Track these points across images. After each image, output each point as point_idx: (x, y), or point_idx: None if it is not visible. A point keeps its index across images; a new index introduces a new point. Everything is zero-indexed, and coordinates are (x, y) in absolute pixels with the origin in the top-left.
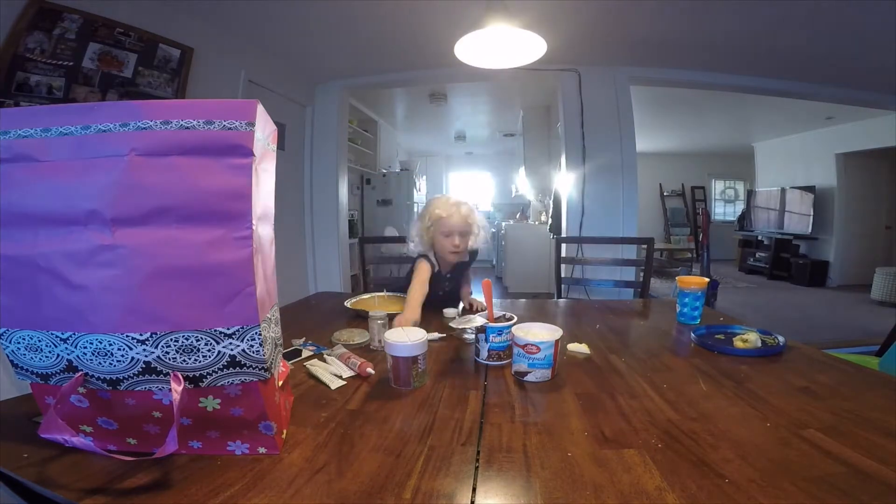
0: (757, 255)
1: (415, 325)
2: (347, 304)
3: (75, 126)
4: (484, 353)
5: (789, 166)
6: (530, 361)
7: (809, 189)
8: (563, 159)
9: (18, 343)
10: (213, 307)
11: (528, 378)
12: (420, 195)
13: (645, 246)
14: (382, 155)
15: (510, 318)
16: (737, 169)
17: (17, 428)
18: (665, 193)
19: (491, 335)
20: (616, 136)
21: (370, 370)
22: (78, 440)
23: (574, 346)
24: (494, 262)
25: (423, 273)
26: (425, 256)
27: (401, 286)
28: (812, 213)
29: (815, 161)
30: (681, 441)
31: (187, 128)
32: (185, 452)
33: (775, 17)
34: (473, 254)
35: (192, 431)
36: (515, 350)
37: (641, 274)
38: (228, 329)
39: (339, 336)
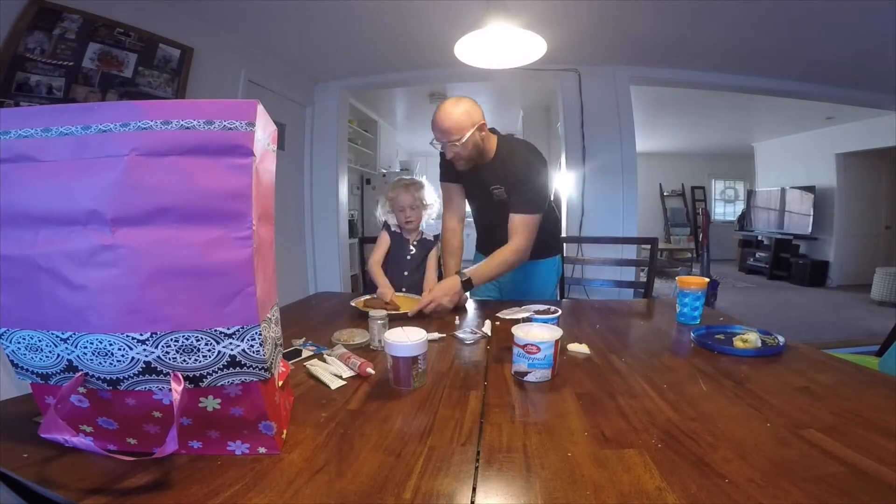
0: (757, 255)
1: (389, 297)
2: (353, 303)
3: (75, 126)
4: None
5: (789, 166)
6: (530, 361)
7: (809, 189)
8: (563, 159)
9: (19, 343)
10: (214, 307)
11: (528, 378)
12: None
13: (645, 246)
14: (382, 155)
15: (554, 312)
16: (737, 169)
17: (17, 428)
18: (665, 193)
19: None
20: (616, 136)
21: (370, 370)
22: (78, 440)
23: (574, 346)
24: None
25: (381, 243)
26: (386, 226)
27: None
28: (812, 213)
29: (815, 161)
30: (681, 441)
31: (187, 128)
32: (185, 452)
33: (775, 18)
34: (437, 237)
35: (192, 431)
36: (515, 350)
37: (641, 274)
38: (228, 329)
39: (339, 336)
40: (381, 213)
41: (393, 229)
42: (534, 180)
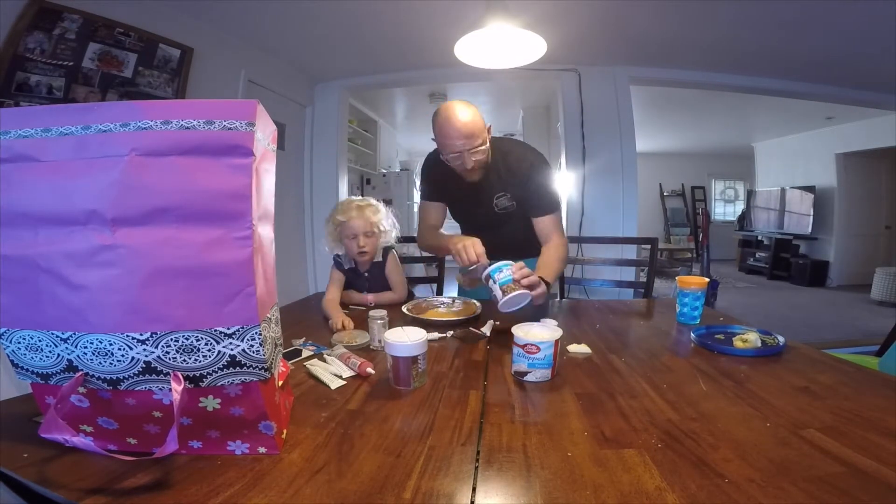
0: (757, 255)
1: (340, 324)
2: (404, 309)
3: (75, 126)
4: (499, 294)
5: (789, 166)
6: (530, 361)
7: (809, 189)
8: (562, 159)
9: (19, 343)
10: (214, 307)
11: (528, 378)
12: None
13: (645, 246)
14: (382, 155)
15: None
16: (737, 169)
17: (17, 428)
18: (665, 193)
19: (495, 274)
20: (616, 136)
21: (370, 370)
22: (78, 440)
23: (574, 347)
24: None
25: (333, 281)
26: (337, 260)
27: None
28: (812, 213)
29: (815, 161)
30: (681, 441)
31: (187, 128)
32: (185, 452)
33: (775, 18)
34: (386, 250)
35: (193, 431)
36: (515, 350)
37: (641, 274)
38: (228, 329)
39: (340, 336)
40: (326, 242)
41: (346, 266)
42: (543, 179)
